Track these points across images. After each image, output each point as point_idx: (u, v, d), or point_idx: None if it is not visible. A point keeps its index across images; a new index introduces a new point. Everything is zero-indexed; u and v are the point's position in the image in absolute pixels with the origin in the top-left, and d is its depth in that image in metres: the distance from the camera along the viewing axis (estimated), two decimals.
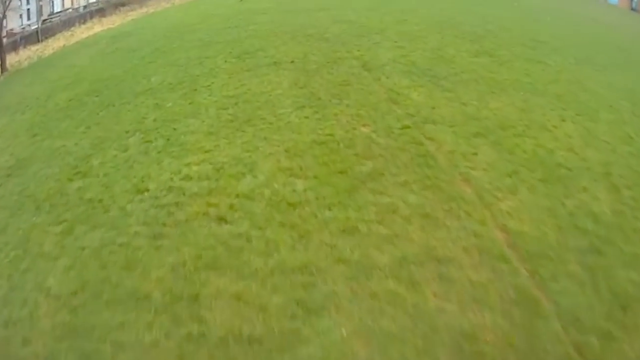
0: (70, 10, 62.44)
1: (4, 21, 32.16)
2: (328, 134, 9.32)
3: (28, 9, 56.64)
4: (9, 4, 29.65)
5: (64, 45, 31.87)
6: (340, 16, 19.04)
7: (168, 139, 9.95)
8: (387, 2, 21.47)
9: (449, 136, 9.23)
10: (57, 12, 63.81)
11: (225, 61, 14.91)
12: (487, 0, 25.20)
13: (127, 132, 10.96)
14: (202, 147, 9.31)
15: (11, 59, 31.66)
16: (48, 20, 54.76)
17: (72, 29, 42.58)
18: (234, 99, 11.44)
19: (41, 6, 63.94)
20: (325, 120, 9.87)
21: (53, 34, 41.74)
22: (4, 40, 37.87)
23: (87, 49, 25.82)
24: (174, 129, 10.43)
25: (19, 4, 53.56)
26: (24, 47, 38.16)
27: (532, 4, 26.30)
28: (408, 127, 9.53)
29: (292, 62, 13.61)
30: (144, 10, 42.67)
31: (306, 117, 10.06)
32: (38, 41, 40.43)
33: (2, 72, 28.50)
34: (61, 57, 26.68)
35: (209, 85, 12.79)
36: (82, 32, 37.88)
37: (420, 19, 18.35)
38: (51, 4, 69.38)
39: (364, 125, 9.62)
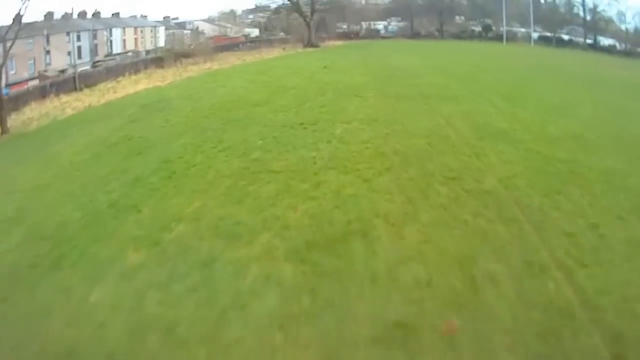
0: (131, 54, 62.21)
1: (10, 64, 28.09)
2: None
3: (79, 47, 56.88)
4: (10, 49, 25.41)
5: (89, 105, 27.11)
6: None
7: None
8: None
9: None
10: (114, 54, 64.43)
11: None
12: None
13: None
14: None
15: (25, 114, 27.26)
16: (99, 63, 54.23)
17: (120, 78, 39.25)
18: None
19: (96, 45, 64.59)
20: None
21: (95, 82, 38.36)
22: (31, 84, 35.24)
23: (104, 122, 20.25)
24: None
25: (67, 39, 52.72)
26: (56, 95, 34.61)
27: None
28: None
29: None
30: (207, 66, 38.34)
31: None
32: (75, 89, 37.04)
33: (1, 133, 23.63)
34: (70, 126, 21.31)
35: None
36: (126, 86, 33.71)
37: None
38: (109, 44, 70.23)
39: None
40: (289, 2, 57.31)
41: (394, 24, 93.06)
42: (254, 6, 64.98)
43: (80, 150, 15.86)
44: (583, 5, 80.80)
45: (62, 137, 19.55)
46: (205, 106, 18.95)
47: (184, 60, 43.14)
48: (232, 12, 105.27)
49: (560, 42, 76.05)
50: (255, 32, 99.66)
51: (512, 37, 71.29)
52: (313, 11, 54.78)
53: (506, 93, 20.10)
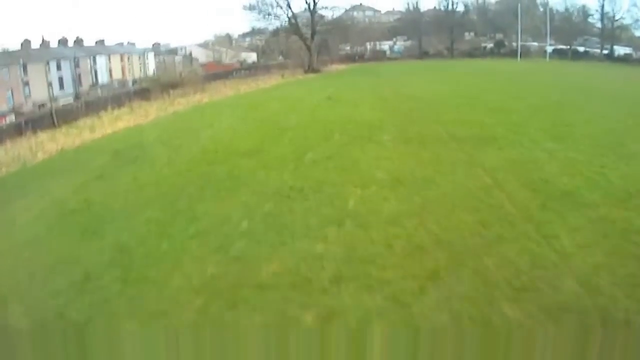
0: (117, 84, 60.00)
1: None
2: None
3: (60, 77, 54.68)
4: None
5: (62, 149, 24.31)
6: None
7: None
8: None
9: None
10: (100, 84, 62.21)
11: None
12: None
13: None
14: None
15: None
16: (82, 95, 51.95)
17: (102, 113, 36.73)
18: None
19: (79, 74, 62.23)
20: None
21: (75, 118, 35.70)
22: (9, 119, 32.77)
23: (69, 176, 17.31)
24: None
25: (46, 69, 50.31)
26: (33, 132, 31.95)
27: None
28: None
29: None
30: (197, 98, 35.73)
31: None
32: (54, 125, 34.51)
33: None
34: (35, 178, 18.38)
35: None
36: (105, 123, 30.99)
37: None
38: (93, 73, 67.85)
39: None
40: (287, 24, 55.27)
41: (400, 44, 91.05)
42: (250, 29, 62.63)
43: (34, 217, 12.88)
44: (602, 14, 78.61)
45: (23, 195, 16.65)
46: (184, 157, 15.97)
47: (172, 91, 40.70)
48: (228, 35, 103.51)
49: (576, 55, 73.62)
50: (252, 57, 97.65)
51: (525, 52, 68.83)
52: (314, 33, 52.57)
53: (550, 128, 16.97)
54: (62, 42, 63.52)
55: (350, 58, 70.61)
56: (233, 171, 13.26)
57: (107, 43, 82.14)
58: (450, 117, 18.91)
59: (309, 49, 51.51)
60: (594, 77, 37.75)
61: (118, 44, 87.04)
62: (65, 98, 50.43)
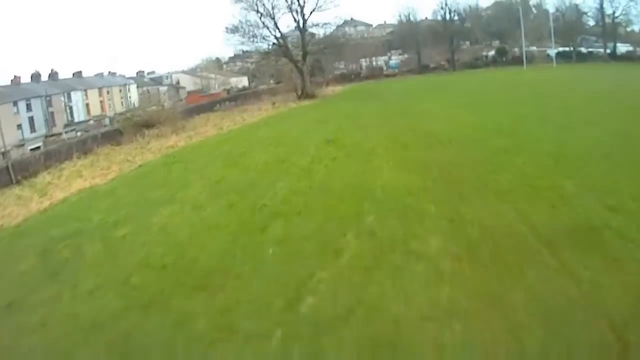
0: (93, 121, 54.09)
1: None
2: None
3: (31, 118, 48.00)
4: None
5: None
6: None
7: None
8: None
9: None
10: (76, 122, 56.09)
11: None
12: None
13: None
14: None
15: None
16: (52, 138, 45.89)
17: (65, 164, 31.00)
18: None
19: (52, 113, 55.69)
20: None
21: (34, 172, 29.83)
22: None
23: None
24: None
25: (14, 109, 44.31)
26: None
27: None
28: None
29: None
30: (172, 141, 29.82)
31: None
32: (11, 181, 28.67)
33: None
34: None
35: None
36: (62, 183, 25.12)
37: None
38: (68, 111, 61.21)
39: None
40: (276, 46, 49.42)
41: (396, 58, 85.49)
42: (235, 53, 56.66)
43: None
44: (601, 11, 73.51)
45: None
46: (118, 275, 10.21)
47: (147, 131, 34.83)
48: (218, 60, 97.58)
49: (581, 56, 68.82)
50: (244, 81, 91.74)
51: (530, 58, 63.24)
52: (305, 54, 46.88)
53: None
54: (35, 76, 57.55)
55: (346, 78, 64.98)
56: (179, 324, 7.43)
57: (85, 74, 76.14)
58: (508, 177, 12.83)
59: (301, 72, 45.74)
60: (628, 84, 32.10)
61: (97, 74, 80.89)
62: (36, 140, 44.86)
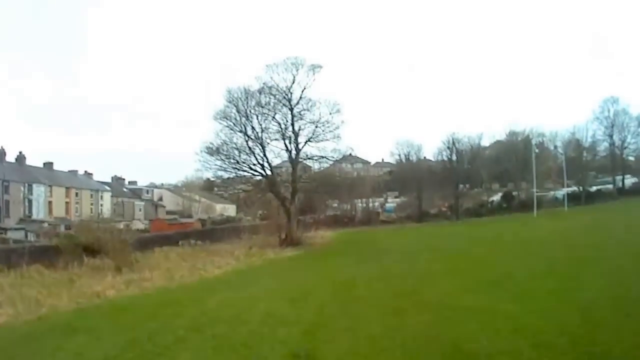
0: (47, 224, 45.72)
1: None
2: None
3: None
4: None
5: None
6: None
7: None
8: None
9: None
10: (33, 219, 47.51)
11: None
12: None
13: None
14: None
15: None
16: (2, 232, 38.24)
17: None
18: None
19: (7, 202, 46.85)
20: None
21: None
22: None
23: None
24: None
25: None
26: None
27: None
28: None
29: None
30: (106, 283, 21.18)
31: None
32: None
33: None
34: None
35: None
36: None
37: None
38: (26, 203, 52.42)
39: None
40: (260, 177, 43.32)
41: (391, 201, 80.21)
42: (214, 178, 49.52)
43: None
44: (611, 144, 69.74)
45: None
46: None
47: (88, 259, 27.02)
48: (209, 181, 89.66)
49: (590, 197, 63.88)
50: (230, 210, 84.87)
51: (538, 203, 57.04)
52: (295, 191, 40.77)
53: None
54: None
55: (338, 221, 58.74)
56: None
57: (57, 166, 69.42)
58: None
59: (288, 212, 39.15)
60: None
61: (71, 171, 74.25)
62: None
